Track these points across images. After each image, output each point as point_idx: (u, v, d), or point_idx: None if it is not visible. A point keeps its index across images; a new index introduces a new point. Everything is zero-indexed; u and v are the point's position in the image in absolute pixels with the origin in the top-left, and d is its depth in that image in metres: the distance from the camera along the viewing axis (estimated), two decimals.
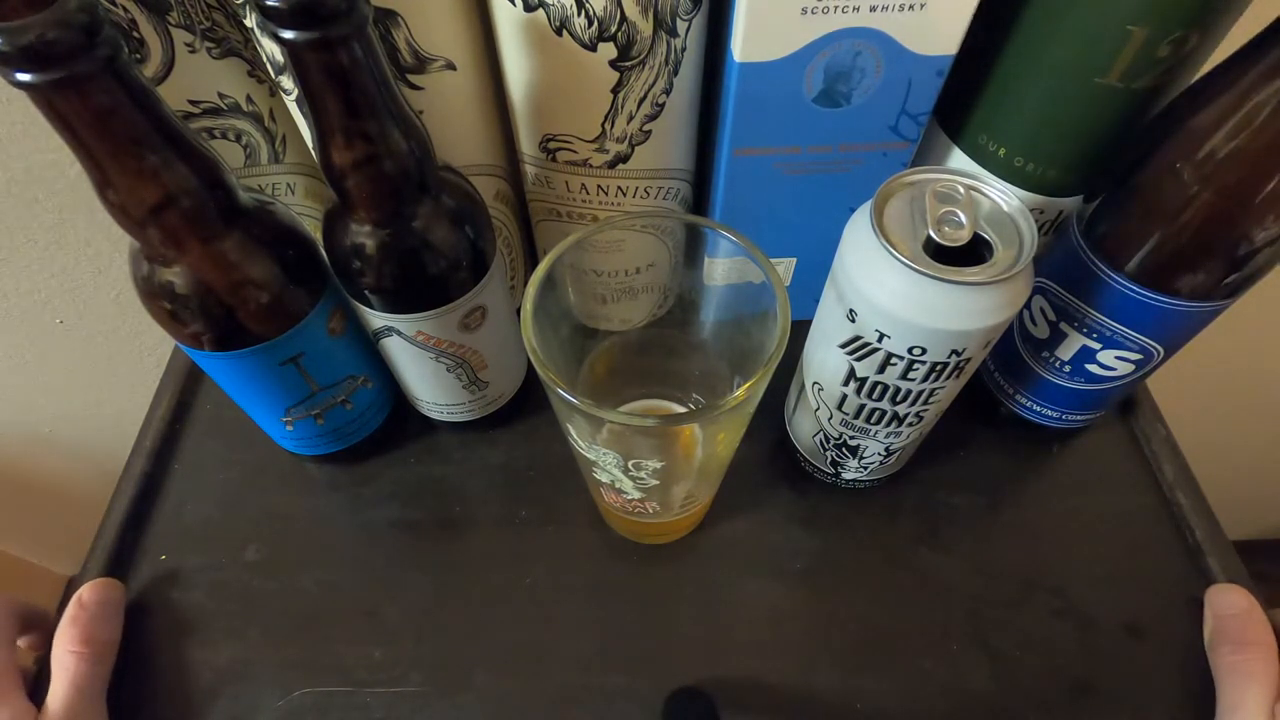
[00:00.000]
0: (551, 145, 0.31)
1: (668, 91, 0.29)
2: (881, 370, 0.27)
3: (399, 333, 0.30)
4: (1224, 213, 0.25)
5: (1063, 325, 0.31)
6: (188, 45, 0.29)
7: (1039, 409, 0.36)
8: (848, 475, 0.35)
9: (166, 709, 0.31)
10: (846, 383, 0.29)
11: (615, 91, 0.29)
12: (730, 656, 0.32)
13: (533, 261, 0.41)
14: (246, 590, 0.34)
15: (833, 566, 0.35)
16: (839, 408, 0.30)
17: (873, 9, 0.26)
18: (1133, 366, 0.31)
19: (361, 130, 0.23)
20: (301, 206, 0.36)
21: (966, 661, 0.32)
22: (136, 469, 0.37)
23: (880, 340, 0.26)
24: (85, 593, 0.32)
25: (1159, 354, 0.31)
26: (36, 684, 0.31)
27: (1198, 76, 0.26)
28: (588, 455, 0.27)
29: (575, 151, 0.31)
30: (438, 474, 0.38)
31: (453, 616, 0.34)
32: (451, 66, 0.29)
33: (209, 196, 0.24)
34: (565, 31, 0.26)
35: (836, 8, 0.25)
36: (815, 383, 0.31)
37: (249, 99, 0.32)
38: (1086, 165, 0.30)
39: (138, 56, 0.28)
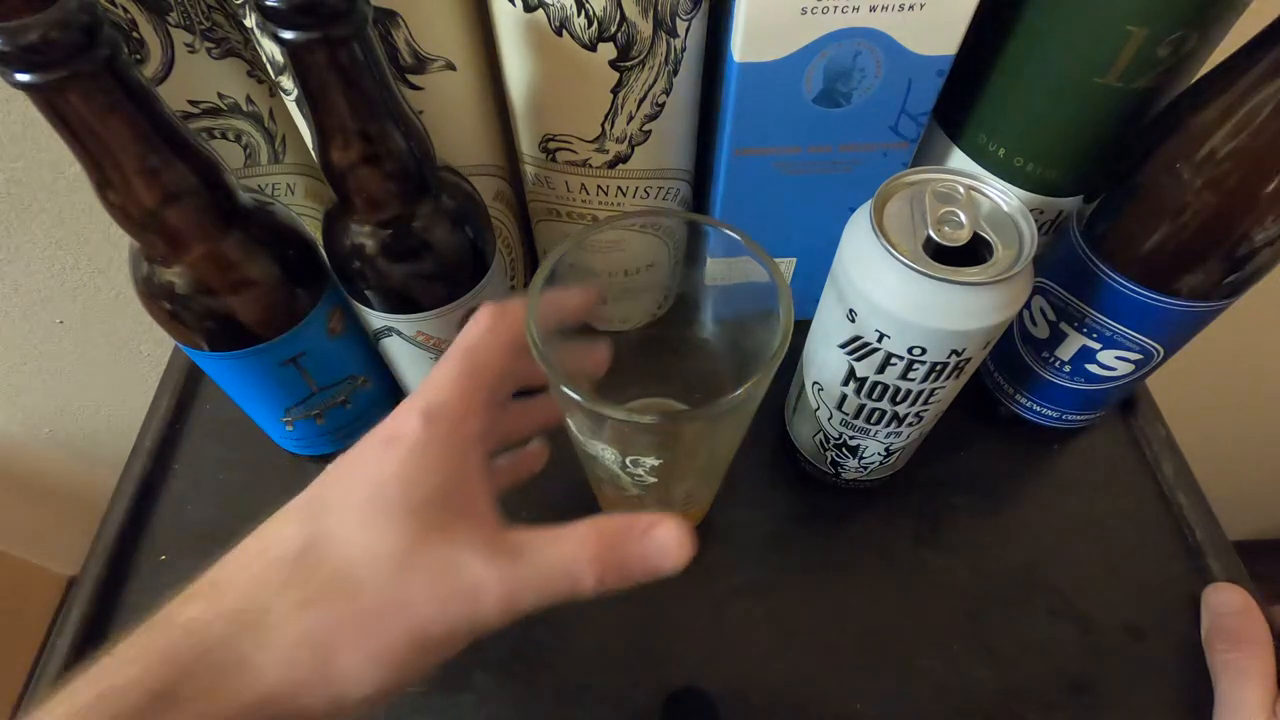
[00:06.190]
0: (551, 145, 0.31)
1: (667, 91, 0.29)
2: (881, 370, 0.27)
3: (399, 333, 0.30)
4: (1224, 213, 0.25)
5: (1063, 325, 0.31)
6: (187, 45, 0.29)
7: (1039, 409, 0.36)
8: (848, 475, 0.35)
9: None
10: (846, 383, 0.29)
11: (615, 91, 0.29)
12: (730, 657, 0.32)
13: (533, 261, 0.41)
14: None
15: (833, 566, 0.35)
16: (839, 408, 0.30)
17: (873, 9, 0.26)
18: (1133, 366, 0.31)
19: (361, 130, 0.24)
20: (301, 206, 0.36)
21: (966, 661, 0.32)
22: (136, 469, 0.37)
23: (880, 340, 0.26)
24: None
25: (1159, 354, 0.31)
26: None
27: (1198, 76, 0.26)
28: (588, 452, 0.27)
29: (575, 152, 0.31)
30: None
31: None
32: (451, 66, 0.29)
33: (209, 196, 0.24)
34: (565, 32, 0.26)
35: (836, 8, 0.25)
36: (815, 383, 0.31)
37: (249, 99, 0.32)
38: (1086, 165, 0.30)
39: (138, 56, 0.28)
